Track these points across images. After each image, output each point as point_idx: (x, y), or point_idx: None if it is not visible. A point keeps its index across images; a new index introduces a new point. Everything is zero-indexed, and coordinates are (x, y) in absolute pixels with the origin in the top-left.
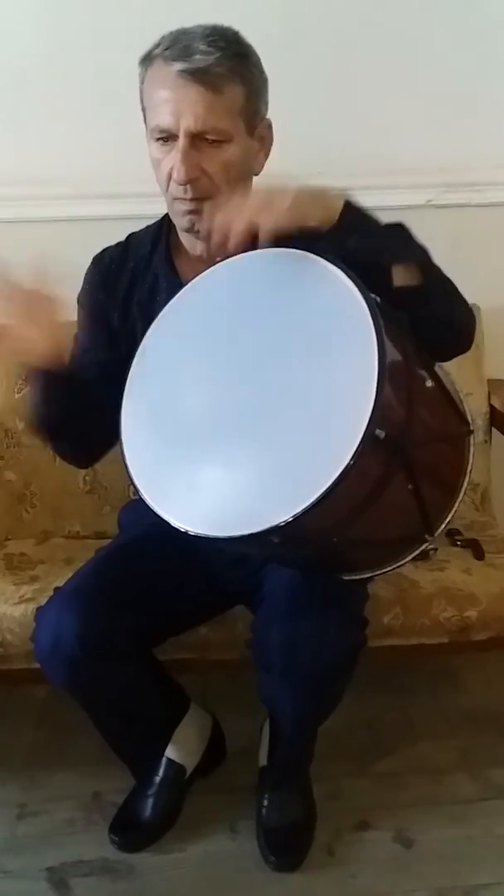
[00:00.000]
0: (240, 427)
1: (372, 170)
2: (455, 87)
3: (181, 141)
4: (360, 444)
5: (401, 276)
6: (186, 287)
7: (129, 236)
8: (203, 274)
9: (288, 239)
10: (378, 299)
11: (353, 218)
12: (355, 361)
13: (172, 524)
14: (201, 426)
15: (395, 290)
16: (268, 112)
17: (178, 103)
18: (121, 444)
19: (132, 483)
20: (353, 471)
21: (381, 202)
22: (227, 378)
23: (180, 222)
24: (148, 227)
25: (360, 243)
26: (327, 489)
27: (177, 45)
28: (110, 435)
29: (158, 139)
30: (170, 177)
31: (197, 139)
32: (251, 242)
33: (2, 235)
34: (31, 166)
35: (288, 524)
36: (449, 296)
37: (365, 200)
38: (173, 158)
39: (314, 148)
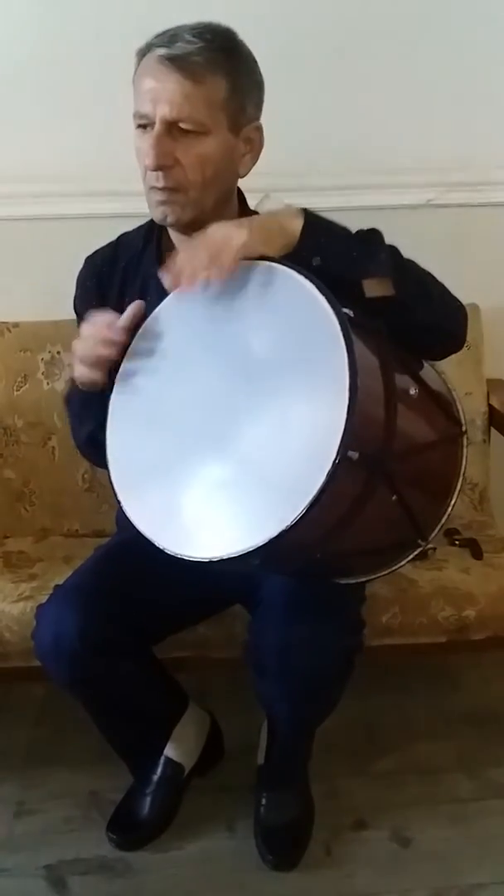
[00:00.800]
0: (215, 448)
1: (372, 169)
2: (455, 87)
3: (156, 127)
4: (331, 469)
5: (372, 288)
6: (162, 304)
7: (121, 236)
8: (177, 290)
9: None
10: (351, 314)
11: (315, 236)
12: (327, 382)
13: (156, 543)
14: (178, 446)
15: (368, 302)
16: (260, 116)
17: (157, 91)
18: (106, 454)
19: (117, 500)
20: (325, 494)
21: (382, 201)
22: (200, 399)
23: (154, 213)
24: (139, 227)
25: (325, 261)
26: (299, 514)
27: (164, 36)
28: None
29: (139, 126)
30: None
31: (174, 128)
32: None
33: (1, 233)
34: (30, 164)
35: (262, 547)
36: (430, 299)
37: (365, 200)
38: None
39: (314, 147)
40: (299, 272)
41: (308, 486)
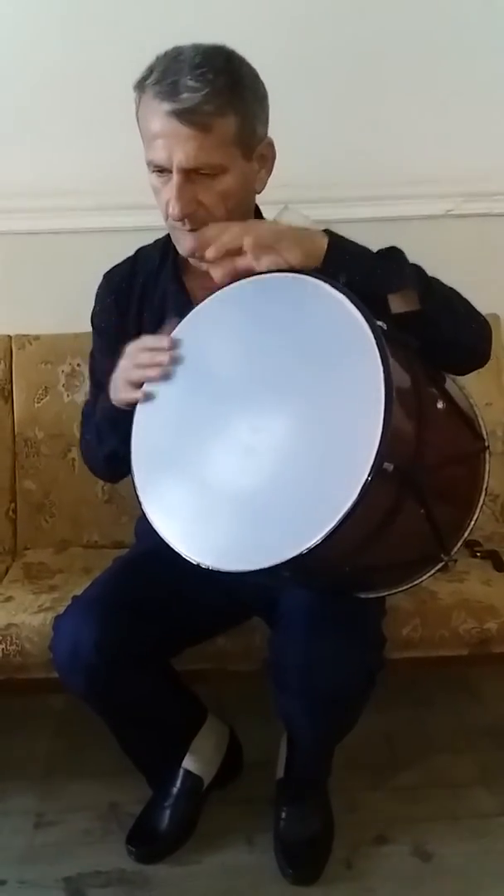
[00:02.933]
0: (247, 457)
1: (391, 180)
2: (475, 96)
3: (175, 177)
4: (367, 480)
5: (398, 304)
6: (194, 311)
7: (138, 251)
8: (211, 297)
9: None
10: (384, 326)
11: (340, 254)
12: (362, 393)
13: (183, 555)
14: (209, 456)
15: (394, 318)
16: (268, 127)
17: (169, 140)
18: (131, 465)
19: (142, 510)
20: (360, 506)
21: (400, 212)
22: (234, 407)
23: (180, 248)
24: (156, 241)
25: (350, 278)
26: (334, 525)
27: (165, 81)
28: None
29: (155, 170)
30: (168, 205)
31: (191, 173)
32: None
33: (22, 247)
34: (50, 178)
35: (296, 559)
36: (455, 314)
37: (383, 211)
38: (170, 191)
39: (334, 158)
40: (331, 285)
41: (342, 498)
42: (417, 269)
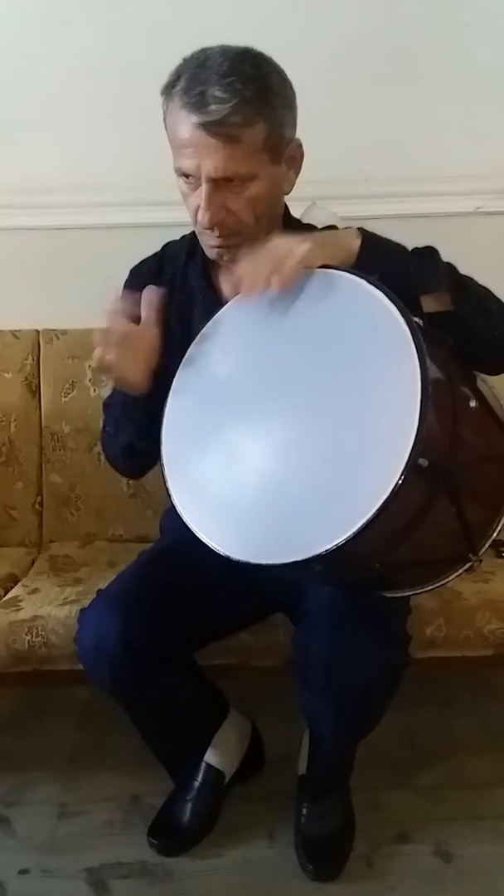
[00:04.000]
0: (280, 450)
1: (420, 176)
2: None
3: (204, 187)
4: (401, 475)
5: (430, 304)
6: (229, 304)
7: (166, 246)
8: (237, 297)
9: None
10: (420, 322)
11: (374, 255)
12: (398, 387)
13: (213, 549)
14: (242, 447)
15: (427, 317)
16: (296, 128)
17: (198, 150)
18: (161, 458)
19: (172, 502)
20: (394, 501)
21: (430, 209)
22: (268, 399)
23: (210, 253)
24: (183, 237)
25: (383, 277)
26: (368, 519)
27: (193, 91)
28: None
29: (182, 176)
30: (198, 211)
31: (220, 181)
32: None
33: (50, 242)
34: (78, 173)
35: (329, 553)
36: (489, 314)
37: (412, 208)
38: (199, 198)
39: (361, 154)
40: (366, 280)
41: (377, 491)
42: (451, 269)
